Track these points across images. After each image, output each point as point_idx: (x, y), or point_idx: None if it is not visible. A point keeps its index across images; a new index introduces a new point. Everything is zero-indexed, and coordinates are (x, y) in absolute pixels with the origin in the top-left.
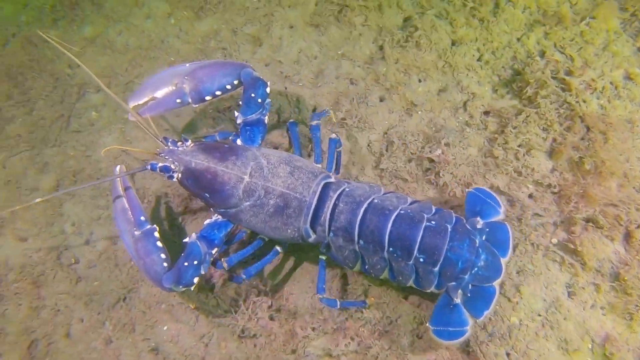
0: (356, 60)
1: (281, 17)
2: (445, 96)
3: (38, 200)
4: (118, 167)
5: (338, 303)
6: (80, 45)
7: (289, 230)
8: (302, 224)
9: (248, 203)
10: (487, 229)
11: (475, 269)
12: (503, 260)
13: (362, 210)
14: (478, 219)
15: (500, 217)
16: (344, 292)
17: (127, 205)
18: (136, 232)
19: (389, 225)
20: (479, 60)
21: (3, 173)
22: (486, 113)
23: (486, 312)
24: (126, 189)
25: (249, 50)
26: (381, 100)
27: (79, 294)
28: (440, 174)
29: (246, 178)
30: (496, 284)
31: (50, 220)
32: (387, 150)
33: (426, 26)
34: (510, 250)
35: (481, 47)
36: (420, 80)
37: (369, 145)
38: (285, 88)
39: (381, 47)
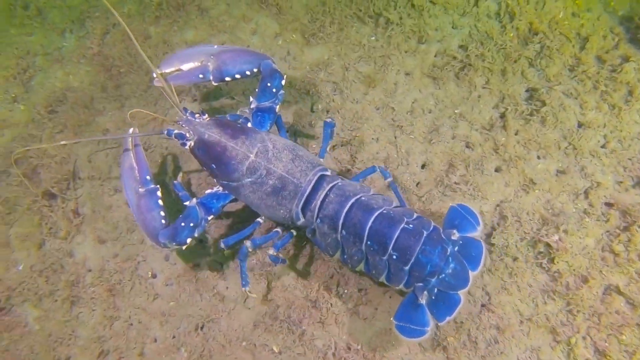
0: (474, 123)
1: (398, 61)
2: (565, 179)
3: (63, 142)
4: (132, 129)
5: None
6: (179, 47)
7: (282, 211)
8: (294, 206)
9: (249, 179)
10: (462, 242)
11: (443, 275)
12: (472, 273)
13: (349, 204)
14: (454, 231)
15: (476, 233)
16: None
17: (134, 164)
18: (140, 190)
19: (371, 220)
20: (604, 147)
21: (88, 167)
22: (608, 204)
23: (448, 318)
24: (136, 147)
25: (361, 90)
26: (497, 170)
27: (155, 312)
28: (555, 261)
29: (252, 157)
30: (462, 293)
31: (132, 227)
32: (499, 225)
33: (554, 103)
34: (481, 265)
35: (608, 134)
36: (539, 157)
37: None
38: (395, 137)
39: (502, 115)
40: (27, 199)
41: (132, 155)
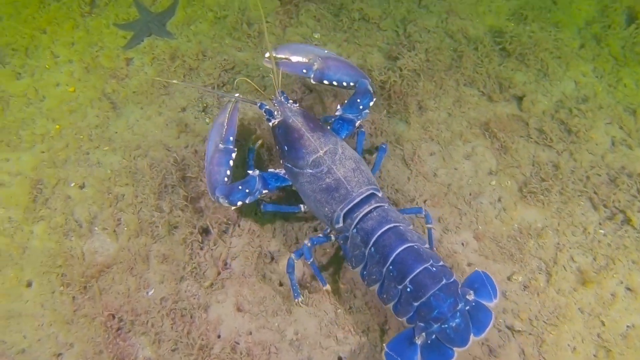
0: None
1: (623, 271)
2: None
3: (175, 81)
4: (237, 94)
5: (312, 260)
6: None
7: (327, 209)
8: (339, 209)
9: (310, 171)
10: (474, 305)
11: (446, 325)
12: (473, 337)
13: (387, 227)
14: (471, 292)
15: (491, 304)
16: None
17: (226, 123)
18: (220, 145)
19: (400, 248)
20: None
21: (251, 218)
22: None
23: None
24: (234, 110)
25: (570, 282)
26: None
27: None
28: None
29: (320, 153)
30: (457, 351)
31: (277, 310)
32: None
33: None
34: (484, 333)
35: None
36: None
37: None
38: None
39: None
40: (185, 228)
41: (227, 115)
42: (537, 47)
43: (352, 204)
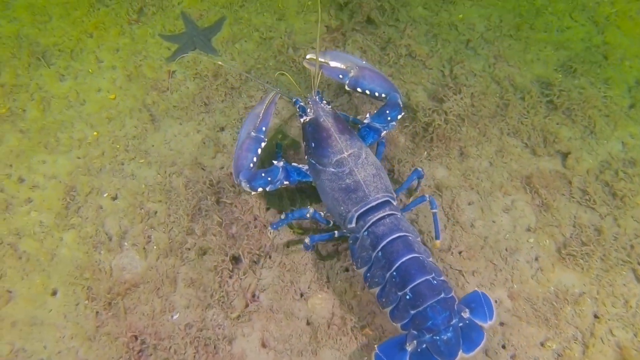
0: None
1: None
2: None
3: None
4: (277, 89)
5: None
6: None
7: (342, 208)
8: (353, 210)
9: (333, 170)
10: (468, 323)
11: (437, 338)
12: (461, 353)
13: (397, 234)
14: (467, 310)
15: (484, 325)
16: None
17: (262, 114)
18: (252, 133)
19: (406, 257)
20: None
21: (283, 252)
22: None
23: None
24: (271, 103)
25: (607, 356)
26: None
27: None
28: None
29: (345, 154)
30: None
31: (303, 350)
32: None
33: None
34: (474, 352)
35: None
36: None
37: None
38: None
39: None
40: (217, 254)
41: (264, 107)
42: (586, 103)
43: (367, 207)
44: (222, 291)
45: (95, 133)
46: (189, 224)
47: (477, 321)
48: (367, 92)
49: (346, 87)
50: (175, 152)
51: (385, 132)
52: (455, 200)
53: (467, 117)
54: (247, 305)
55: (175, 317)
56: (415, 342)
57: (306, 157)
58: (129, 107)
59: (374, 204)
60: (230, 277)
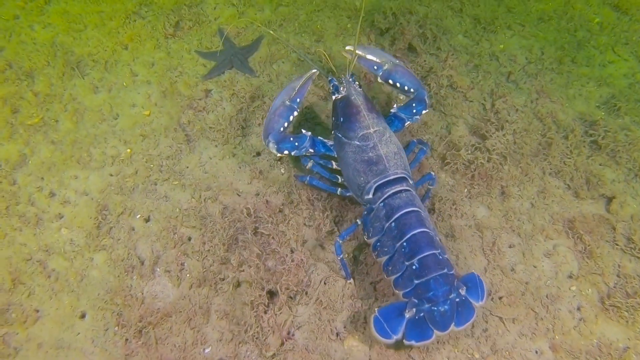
0: None
1: None
2: None
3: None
4: (314, 70)
5: (342, 256)
6: None
7: (362, 178)
8: (372, 182)
9: (358, 143)
10: (463, 299)
11: (435, 309)
12: (453, 326)
13: (411, 208)
14: (464, 287)
15: (475, 304)
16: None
17: (298, 87)
18: (287, 102)
19: (417, 230)
20: None
21: (321, 290)
22: None
23: (413, 343)
24: (309, 80)
25: None
26: None
27: None
28: None
29: (371, 130)
30: (435, 334)
31: None
32: None
33: None
34: (464, 327)
35: None
36: None
37: None
38: None
39: None
40: (253, 288)
41: (302, 81)
42: (631, 145)
43: (385, 179)
44: (257, 326)
45: (128, 150)
46: (225, 253)
47: (470, 299)
48: (398, 85)
49: (379, 79)
50: (210, 176)
51: (408, 122)
52: (496, 243)
53: (509, 154)
54: (282, 344)
55: (207, 350)
56: (414, 309)
57: (333, 132)
58: (164, 125)
59: (392, 177)
60: (266, 312)
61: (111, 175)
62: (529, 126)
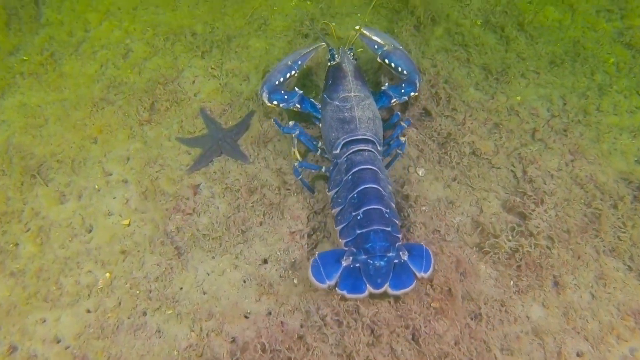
0: None
1: None
2: None
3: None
4: (324, 42)
5: (301, 177)
6: None
7: (334, 134)
8: (342, 138)
9: (337, 103)
10: (402, 263)
11: (371, 262)
12: (387, 286)
13: (369, 166)
14: (406, 252)
15: (417, 273)
16: None
17: (302, 53)
18: (289, 62)
19: (369, 185)
20: None
21: None
22: None
23: (344, 293)
24: (313, 50)
25: None
26: None
27: None
28: None
29: (351, 94)
30: (368, 290)
31: None
32: None
33: None
34: (399, 292)
35: None
36: None
37: None
38: None
39: None
40: None
41: (307, 50)
42: None
43: (353, 137)
44: None
45: (107, 274)
46: None
47: (412, 267)
48: (392, 65)
49: (377, 59)
50: (210, 298)
51: (395, 100)
52: (562, 352)
53: (555, 235)
54: None
55: None
56: (351, 258)
57: (322, 93)
58: (148, 237)
59: (360, 137)
60: None
61: (88, 311)
62: (569, 195)
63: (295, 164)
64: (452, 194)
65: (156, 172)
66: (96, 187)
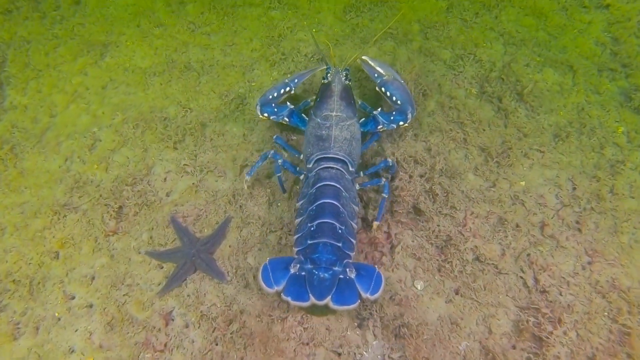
0: None
1: None
2: None
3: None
4: (324, 66)
5: (280, 174)
6: None
7: (309, 149)
8: (315, 154)
9: (318, 120)
10: (348, 280)
11: (316, 272)
12: (328, 299)
13: (334, 184)
14: (354, 270)
15: (362, 294)
16: None
17: (300, 75)
18: (286, 80)
19: (329, 200)
20: None
21: None
22: None
23: (288, 299)
24: (309, 71)
25: None
26: None
27: None
28: None
29: (332, 113)
30: (311, 300)
31: None
32: None
33: None
34: (341, 308)
35: None
36: None
37: None
38: None
39: None
40: None
41: (305, 72)
42: None
43: (325, 155)
44: None
45: None
46: None
47: (358, 286)
48: (388, 94)
49: (376, 87)
50: None
51: (382, 127)
52: None
53: None
54: None
55: None
56: (298, 266)
57: (310, 110)
58: None
59: (331, 155)
60: None
61: None
62: (590, 307)
63: (279, 161)
64: (456, 311)
65: (124, 295)
66: (56, 314)
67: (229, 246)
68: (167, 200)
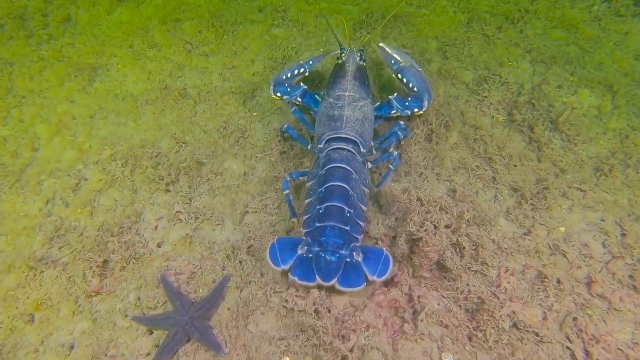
0: None
1: None
2: None
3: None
4: (342, 48)
5: (288, 192)
6: None
7: (321, 129)
8: (326, 134)
9: (331, 100)
10: (355, 263)
11: (323, 254)
12: (335, 280)
13: (344, 165)
14: (361, 254)
15: (369, 278)
16: None
17: (314, 58)
18: (301, 61)
19: (338, 183)
20: None
21: None
22: None
23: (295, 279)
24: (324, 54)
25: None
26: None
27: None
28: None
29: (345, 93)
30: (318, 279)
31: None
32: None
33: None
34: (348, 290)
35: None
36: None
37: None
38: None
39: None
40: None
41: (319, 54)
42: None
43: (336, 135)
44: None
45: None
46: None
47: (365, 269)
48: (405, 81)
49: (392, 74)
50: None
51: (395, 111)
52: None
53: None
54: None
55: None
56: (305, 247)
57: (323, 89)
58: None
59: (343, 135)
60: None
61: None
62: None
63: (287, 176)
64: None
65: None
66: None
67: (228, 309)
68: (157, 253)
